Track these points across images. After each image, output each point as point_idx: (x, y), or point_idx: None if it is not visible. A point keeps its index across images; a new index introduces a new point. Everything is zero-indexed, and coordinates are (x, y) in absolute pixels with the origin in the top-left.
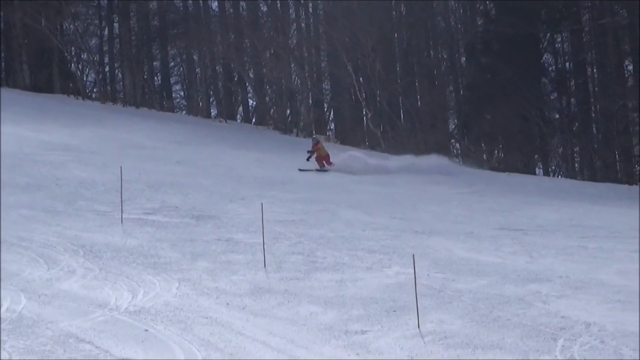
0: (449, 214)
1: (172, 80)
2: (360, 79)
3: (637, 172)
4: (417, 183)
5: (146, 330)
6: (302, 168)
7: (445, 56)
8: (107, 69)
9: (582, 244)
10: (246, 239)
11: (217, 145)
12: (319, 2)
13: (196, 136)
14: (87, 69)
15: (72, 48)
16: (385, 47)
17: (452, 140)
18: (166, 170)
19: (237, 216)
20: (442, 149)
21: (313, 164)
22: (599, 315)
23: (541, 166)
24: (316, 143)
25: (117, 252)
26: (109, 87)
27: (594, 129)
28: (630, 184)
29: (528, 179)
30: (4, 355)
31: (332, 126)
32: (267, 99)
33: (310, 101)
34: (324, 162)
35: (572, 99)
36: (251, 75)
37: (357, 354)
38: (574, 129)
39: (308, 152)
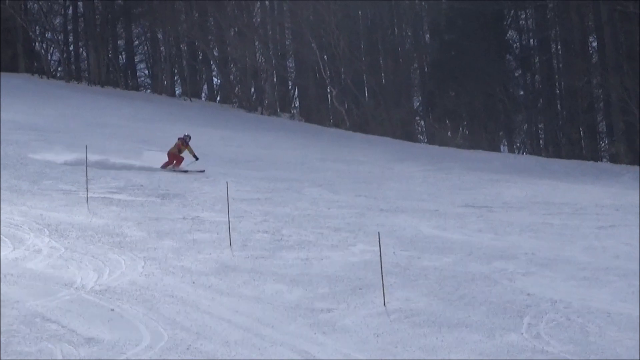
0: (414, 191)
1: (137, 59)
2: (325, 56)
3: (602, 149)
4: (381, 160)
5: (112, 310)
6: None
7: (409, 34)
8: (71, 48)
9: (547, 221)
10: (212, 217)
11: (181, 123)
12: None
13: (161, 114)
14: (52, 48)
15: (37, 27)
16: (350, 25)
17: (417, 118)
18: (131, 148)
19: (202, 195)
20: (407, 126)
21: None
22: (564, 293)
23: (506, 143)
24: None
25: (83, 231)
26: (73, 66)
27: (559, 105)
28: (595, 160)
29: (493, 156)
30: None
31: (297, 104)
32: (232, 77)
33: (275, 79)
34: (175, 162)
35: (536, 76)
36: (215, 53)
37: (323, 332)
38: (539, 105)
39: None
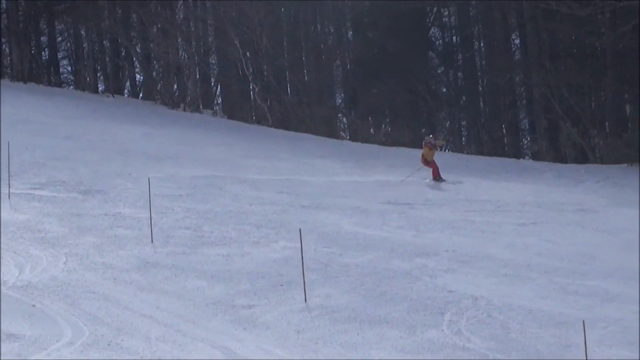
0: (336, 188)
1: (60, 55)
2: (247, 53)
3: (524, 146)
4: (304, 157)
5: (33, 305)
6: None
7: (332, 31)
8: None
9: (469, 218)
10: (133, 213)
11: (104, 120)
12: None
13: (84, 111)
14: None
15: None
16: (272, 21)
17: (339, 115)
18: (54, 145)
19: (124, 191)
20: (329, 123)
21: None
22: (486, 289)
23: None
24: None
25: (4, 227)
26: None
27: (481, 103)
28: (517, 157)
29: (415, 153)
30: None
31: (219, 101)
32: (154, 73)
33: (197, 76)
34: (436, 175)
35: (459, 73)
36: (138, 50)
37: (244, 328)
38: (461, 103)
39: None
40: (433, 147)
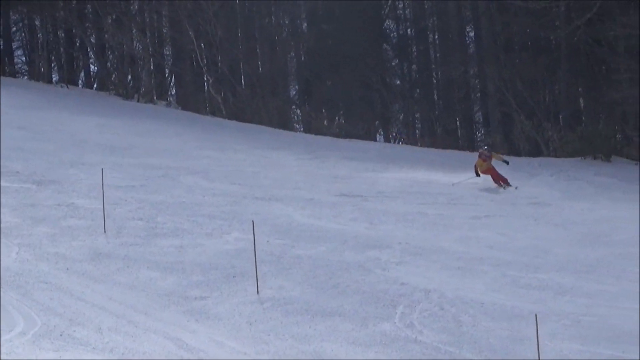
0: (289, 180)
1: (14, 45)
2: (202, 44)
3: (478, 139)
4: (257, 149)
5: None
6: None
7: (287, 22)
8: None
9: (422, 211)
10: (87, 204)
11: (59, 110)
12: None
13: (38, 101)
14: None
15: None
16: (227, 13)
17: (293, 106)
18: (7, 135)
19: (78, 181)
20: (283, 115)
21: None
22: (438, 282)
23: (382, 132)
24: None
25: None
26: None
27: (435, 95)
28: (471, 150)
29: (369, 145)
30: None
31: (173, 92)
32: (109, 64)
33: (152, 67)
34: (499, 179)
35: (413, 66)
36: (93, 41)
37: (197, 320)
38: (415, 95)
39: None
40: (487, 159)
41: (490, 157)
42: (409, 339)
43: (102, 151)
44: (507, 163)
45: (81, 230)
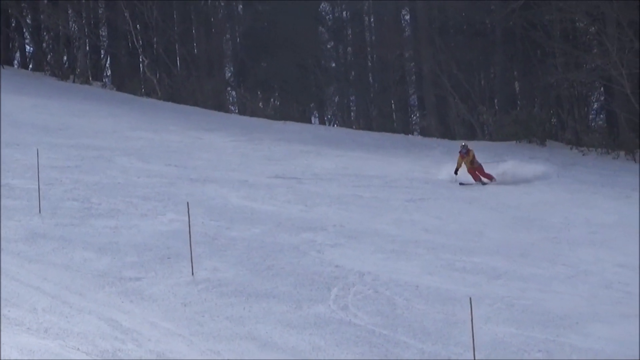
0: (224, 161)
1: None
2: (137, 25)
3: (413, 122)
4: (192, 130)
5: None
6: (463, 182)
7: (222, 4)
8: None
9: (357, 193)
10: (22, 184)
11: None
12: None
13: None
14: None
15: None
16: None
17: (228, 88)
18: None
19: (13, 162)
20: (218, 97)
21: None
22: (373, 265)
23: (317, 115)
24: (465, 152)
25: None
26: None
27: (370, 78)
28: (406, 133)
29: (304, 128)
30: None
31: (109, 73)
32: (44, 45)
33: (87, 47)
34: (480, 174)
35: (348, 48)
36: (29, 21)
37: (131, 301)
38: (350, 78)
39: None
40: (465, 156)
41: (468, 155)
42: (343, 321)
43: (37, 131)
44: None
45: (16, 210)
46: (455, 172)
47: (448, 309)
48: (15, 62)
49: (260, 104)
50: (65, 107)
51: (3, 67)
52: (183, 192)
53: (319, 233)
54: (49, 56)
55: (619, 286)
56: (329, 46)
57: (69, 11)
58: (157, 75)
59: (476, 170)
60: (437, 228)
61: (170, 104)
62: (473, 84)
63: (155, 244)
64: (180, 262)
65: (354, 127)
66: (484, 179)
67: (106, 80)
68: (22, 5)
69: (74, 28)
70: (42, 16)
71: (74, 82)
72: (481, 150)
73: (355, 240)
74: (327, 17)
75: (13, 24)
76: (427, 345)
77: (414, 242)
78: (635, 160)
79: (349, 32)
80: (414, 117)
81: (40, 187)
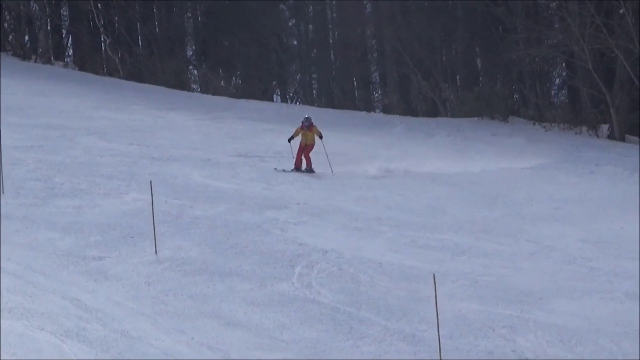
0: (187, 140)
1: None
2: (99, 5)
3: (375, 99)
4: (154, 109)
5: None
6: (277, 168)
7: None
8: None
9: (319, 171)
10: None
11: None
12: None
13: None
14: None
15: None
16: None
17: (190, 67)
18: None
19: None
20: (180, 75)
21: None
22: (336, 242)
23: (279, 93)
24: (308, 125)
25: None
26: None
27: (332, 55)
28: (368, 110)
29: (266, 106)
30: None
31: (70, 52)
32: (6, 25)
33: (49, 27)
34: (305, 158)
35: (310, 26)
36: None
37: (95, 280)
38: (312, 55)
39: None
40: (306, 130)
41: (309, 129)
42: (307, 299)
43: None
44: (321, 137)
45: None
46: (289, 140)
47: (412, 286)
48: None
49: (222, 82)
50: (27, 87)
51: None
52: (146, 171)
53: (282, 211)
54: (10, 36)
55: (582, 261)
56: (290, 24)
57: None
58: (119, 54)
59: (308, 147)
60: (400, 205)
61: (132, 83)
62: (435, 61)
63: (118, 223)
64: (144, 241)
65: (316, 104)
66: (306, 165)
67: (68, 60)
68: None
69: (36, 8)
70: None
71: (35, 62)
72: (443, 127)
73: (319, 218)
74: None
75: None
76: (391, 322)
77: (377, 220)
78: (597, 135)
79: (310, 9)
80: (376, 95)
81: (2, 167)
